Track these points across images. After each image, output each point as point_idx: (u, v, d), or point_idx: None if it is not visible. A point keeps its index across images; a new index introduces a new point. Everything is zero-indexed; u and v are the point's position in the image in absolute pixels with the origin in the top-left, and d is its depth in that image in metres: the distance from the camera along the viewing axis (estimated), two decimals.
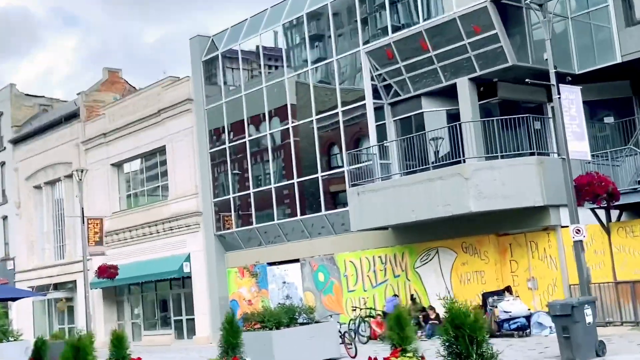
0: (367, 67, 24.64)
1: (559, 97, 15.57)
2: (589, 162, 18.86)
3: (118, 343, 7.89)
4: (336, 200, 26.79)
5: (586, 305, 14.22)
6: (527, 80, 18.00)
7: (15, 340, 32.24)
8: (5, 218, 42.74)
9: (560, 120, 15.51)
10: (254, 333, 18.30)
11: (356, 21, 25.71)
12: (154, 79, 35.81)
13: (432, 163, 22.43)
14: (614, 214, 20.18)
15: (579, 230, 15.33)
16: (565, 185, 15.61)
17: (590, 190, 16.29)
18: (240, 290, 29.78)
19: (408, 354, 5.14)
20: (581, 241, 15.36)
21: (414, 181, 21.78)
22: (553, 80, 15.69)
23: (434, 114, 24.00)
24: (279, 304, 21.01)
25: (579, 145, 16.13)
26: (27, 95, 43.87)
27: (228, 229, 30.28)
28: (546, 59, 16.21)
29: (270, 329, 18.34)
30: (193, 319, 30.95)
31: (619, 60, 21.72)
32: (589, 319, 14.15)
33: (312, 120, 27.09)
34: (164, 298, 33.88)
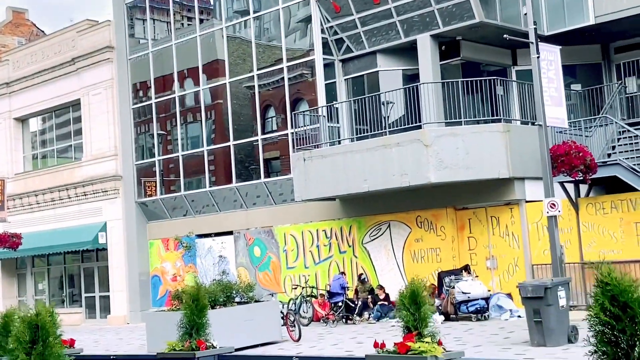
0: (317, 19, 24.20)
1: (538, 57, 15.49)
2: (561, 132, 18.99)
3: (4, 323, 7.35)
4: (276, 167, 26.47)
5: (560, 287, 14.30)
6: (505, 35, 17.92)
7: None
8: None
9: (539, 82, 15.44)
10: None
11: None
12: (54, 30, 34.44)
13: (388, 128, 22.26)
14: (583, 189, 20.47)
15: (554, 205, 15.40)
16: (541, 155, 15.63)
17: (567, 161, 16.36)
18: (163, 264, 29.22)
19: (425, 339, 4.78)
20: (555, 217, 15.40)
21: (368, 147, 21.57)
22: (532, 38, 15.59)
23: (390, 73, 23.85)
24: (214, 280, 20.57)
25: (556, 111, 16.19)
26: None
27: (151, 196, 29.60)
28: (525, 14, 16.15)
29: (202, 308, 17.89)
30: (108, 297, 30.30)
31: (592, 21, 21.89)
32: (562, 301, 14.24)
33: (253, 76, 26.56)
34: (74, 272, 33.08)
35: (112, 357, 19.25)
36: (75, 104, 32.06)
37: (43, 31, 38.08)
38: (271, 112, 26.77)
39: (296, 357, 5.98)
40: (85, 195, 31.09)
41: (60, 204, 32.02)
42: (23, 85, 33.65)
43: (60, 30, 33.26)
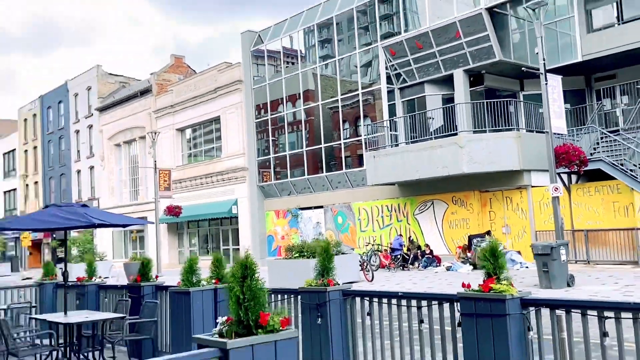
0: (383, 59, 23.98)
1: (546, 83, 14.94)
2: (558, 137, 18.34)
3: (218, 264, 7.42)
4: (349, 162, 26.45)
5: (562, 247, 13.88)
6: (522, 68, 17.40)
7: (100, 260, 32.18)
8: (92, 168, 42.36)
9: (546, 101, 14.91)
10: (295, 260, 17.96)
11: (375, 22, 25.00)
12: (201, 69, 34.96)
13: (431, 135, 21.94)
14: (573, 178, 19.79)
15: (557, 188, 14.90)
16: (547, 153, 15.10)
17: (567, 158, 15.81)
18: (275, 228, 29.53)
19: (503, 282, 4.69)
20: (558, 197, 14.87)
21: (419, 148, 21.33)
22: (542, 69, 15.05)
23: (433, 97, 23.44)
24: (314, 238, 20.65)
25: (558, 122, 15.59)
26: (110, 74, 43.05)
27: (266, 181, 29.93)
28: (537, 53, 15.57)
29: (308, 257, 17.99)
30: (238, 249, 30.81)
31: (579, 59, 21.03)
32: (563, 257, 13.83)
33: (336, 100, 26.54)
34: (214, 232, 33.69)
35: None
36: (216, 119, 32.57)
37: (194, 70, 38.75)
38: (346, 125, 26.71)
39: (401, 293, 5.87)
40: (223, 180, 31.65)
41: (206, 187, 32.67)
42: (182, 107, 34.36)
43: (206, 70, 33.84)
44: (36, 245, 46.97)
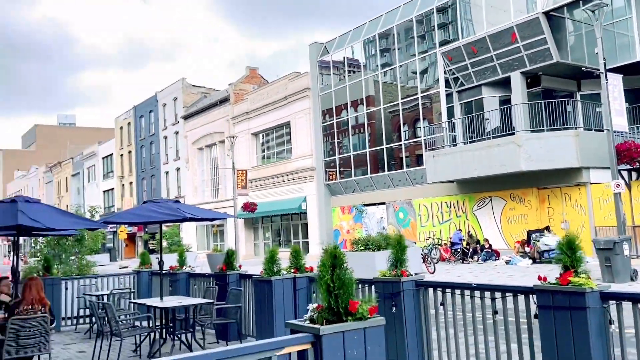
0: (441, 64, 23.35)
1: (607, 82, 14.01)
2: (618, 134, 17.20)
3: (297, 255, 7.31)
4: (407, 161, 25.95)
5: (625, 242, 12.98)
6: (582, 68, 16.44)
7: (187, 251, 33.06)
8: (178, 169, 43.80)
9: (607, 100, 13.99)
10: (361, 253, 17.73)
11: (431, 31, 24.41)
12: (271, 79, 35.31)
13: (489, 135, 21.16)
14: (634, 175, 18.51)
15: (619, 185, 13.94)
16: (609, 150, 14.18)
17: (628, 155, 14.79)
18: (341, 223, 29.42)
19: (582, 275, 4.31)
20: (620, 193, 13.91)
21: (477, 147, 20.61)
22: (602, 69, 14.12)
23: (490, 98, 22.60)
24: (378, 233, 20.37)
25: (619, 119, 14.59)
26: (193, 85, 44.34)
27: (332, 180, 29.87)
28: (597, 53, 14.63)
29: (373, 250, 17.75)
30: (307, 242, 30.92)
31: (638, 59, 19.66)
32: (626, 252, 12.92)
33: (396, 104, 26.12)
34: (285, 227, 33.97)
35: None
36: (287, 124, 32.83)
37: (266, 80, 39.25)
38: (405, 127, 26.20)
39: (474, 284, 5.57)
40: (293, 179, 31.86)
41: (278, 185, 33.01)
42: (256, 114, 34.88)
43: (277, 79, 34.19)
44: (131, 238, 49.11)
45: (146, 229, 45.48)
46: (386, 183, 26.76)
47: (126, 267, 31.87)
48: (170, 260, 11.56)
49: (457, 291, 5.73)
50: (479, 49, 21.88)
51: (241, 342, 7.89)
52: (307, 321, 3.45)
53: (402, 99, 25.88)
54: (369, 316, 3.48)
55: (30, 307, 5.98)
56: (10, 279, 7.58)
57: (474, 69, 22.41)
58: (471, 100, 23.24)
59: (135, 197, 48.71)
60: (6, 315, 6.38)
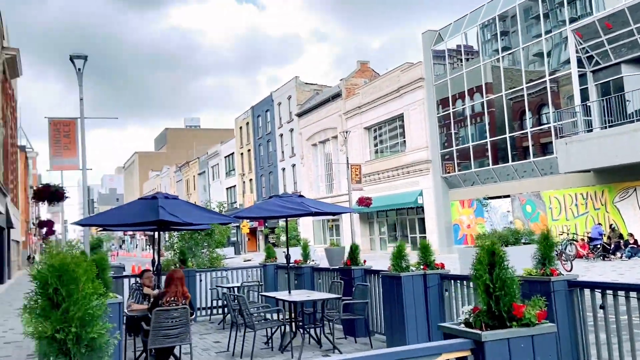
0: (573, 43, 21.30)
1: None
2: None
3: (425, 250, 6.81)
4: (537, 150, 24.03)
5: None
6: None
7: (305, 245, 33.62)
8: (294, 166, 44.94)
9: None
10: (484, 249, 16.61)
11: (555, 9, 22.37)
12: (379, 73, 34.54)
13: (631, 117, 18.88)
14: None
15: None
16: None
17: None
18: (460, 217, 28.19)
19: None
20: None
21: (617, 132, 18.51)
22: None
23: (631, 77, 20.16)
24: (504, 227, 19.10)
25: None
26: (306, 83, 45.20)
27: (449, 172, 28.71)
28: None
29: (500, 246, 16.56)
30: (425, 237, 30.04)
31: None
32: None
33: (519, 89, 24.36)
34: (401, 221, 33.33)
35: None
36: (400, 117, 32.17)
37: (378, 73, 38.82)
38: (529, 114, 24.32)
39: (616, 282, 4.76)
40: (408, 173, 31.16)
41: (392, 179, 32.49)
42: (368, 107, 34.62)
43: (389, 71, 33.62)
44: (252, 232, 51.40)
45: (266, 224, 47.28)
46: (509, 175, 25.12)
47: (249, 260, 33.32)
48: (293, 254, 11.68)
49: (620, 292, 4.95)
50: (615, 24, 19.61)
51: (370, 339, 7.62)
52: (462, 325, 3.07)
53: (525, 84, 24.08)
54: (537, 322, 3.03)
55: (173, 299, 6.19)
56: (151, 271, 8.00)
57: (611, 46, 20.15)
58: (608, 81, 20.94)
59: (255, 194, 50.86)
60: (148, 306, 6.68)
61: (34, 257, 37.73)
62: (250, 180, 52.37)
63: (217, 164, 60.87)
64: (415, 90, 30.39)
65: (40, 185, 17.21)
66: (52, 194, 16.86)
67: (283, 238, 38.70)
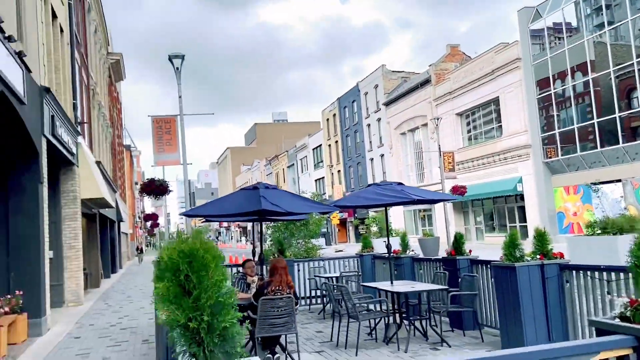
0: None
1: None
2: None
3: (541, 238, 6.33)
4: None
5: None
6: None
7: (397, 235, 33.32)
8: (382, 156, 44.55)
9: None
10: (598, 237, 15.44)
11: None
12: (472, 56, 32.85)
13: None
14: None
15: None
16: None
17: None
18: (565, 204, 26.46)
19: None
20: None
21: None
22: None
23: None
24: (618, 214, 17.60)
25: None
26: (392, 71, 44.50)
27: (551, 157, 27.00)
28: None
29: (614, 234, 15.33)
30: (525, 226, 28.56)
31: None
32: None
33: (630, 64, 22.26)
34: (499, 210, 31.90)
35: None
36: (495, 100, 30.75)
37: (469, 56, 37.30)
38: (638, 92, 22.14)
39: None
40: (505, 159, 29.74)
41: (488, 166, 31.19)
42: (460, 92, 33.43)
43: (482, 53, 32.16)
44: (342, 223, 51.71)
45: (355, 215, 47.34)
46: (619, 157, 23.15)
47: (341, 250, 33.54)
48: (382, 246, 11.49)
49: None
50: None
51: (480, 332, 7.28)
52: (617, 319, 2.74)
53: (636, 58, 21.98)
54: None
55: (278, 288, 6.25)
56: (253, 260, 8.17)
57: None
58: None
59: (344, 185, 51.05)
60: (252, 295, 6.80)
61: (142, 249, 40.51)
62: (339, 171, 52.62)
63: (305, 156, 61.81)
64: (512, 71, 28.87)
65: (146, 180, 18.28)
66: (157, 188, 17.86)
67: (373, 229, 38.57)
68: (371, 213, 42.19)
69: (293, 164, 65.47)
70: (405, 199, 7.57)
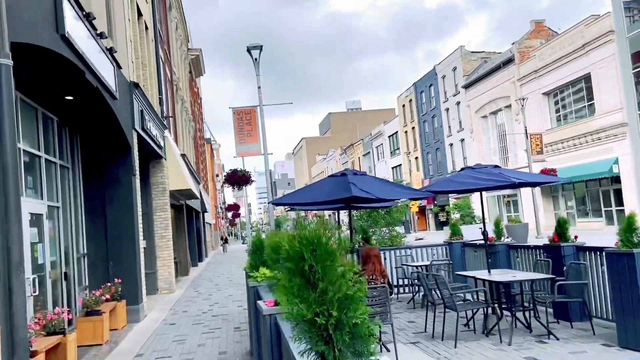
0: None
1: None
2: None
3: (629, 227, 5.61)
4: None
5: None
6: None
7: (475, 223, 32.12)
8: (462, 140, 43.05)
9: None
10: None
11: None
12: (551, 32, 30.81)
13: None
14: None
15: None
16: None
17: None
18: None
19: None
20: None
21: None
22: None
23: None
24: None
25: None
26: (471, 52, 42.72)
27: None
28: None
29: None
30: (622, 210, 26.47)
31: None
32: None
33: None
34: (592, 194, 29.79)
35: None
36: (586, 77, 28.62)
37: (556, 32, 35.01)
38: None
39: None
40: (598, 139, 27.66)
41: (579, 147, 29.17)
42: (546, 70, 31.46)
43: (570, 28, 29.99)
44: (421, 211, 50.69)
45: (435, 202, 46.21)
46: None
47: (421, 238, 32.85)
48: (469, 232, 10.92)
49: None
50: None
51: (591, 324, 6.68)
52: None
53: None
54: None
55: (371, 277, 6.04)
56: None
57: None
58: None
59: (422, 171, 49.94)
60: None
61: (226, 239, 41.98)
62: (416, 158, 51.53)
63: (382, 144, 61.08)
64: (604, 45, 26.72)
65: (229, 171, 18.71)
66: (240, 179, 18.24)
67: (453, 216, 37.40)
68: (452, 200, 40.92)
69: (369, 152, 64.96)
70: (504, 182, 7.07)
